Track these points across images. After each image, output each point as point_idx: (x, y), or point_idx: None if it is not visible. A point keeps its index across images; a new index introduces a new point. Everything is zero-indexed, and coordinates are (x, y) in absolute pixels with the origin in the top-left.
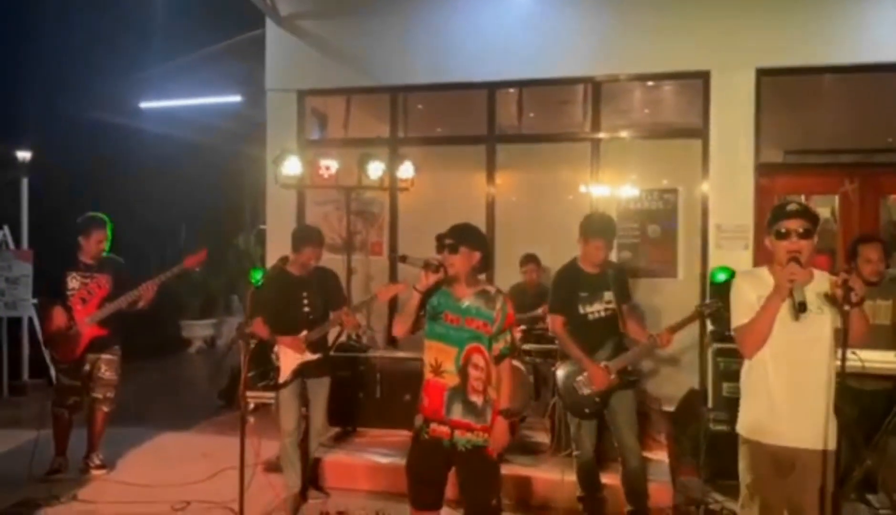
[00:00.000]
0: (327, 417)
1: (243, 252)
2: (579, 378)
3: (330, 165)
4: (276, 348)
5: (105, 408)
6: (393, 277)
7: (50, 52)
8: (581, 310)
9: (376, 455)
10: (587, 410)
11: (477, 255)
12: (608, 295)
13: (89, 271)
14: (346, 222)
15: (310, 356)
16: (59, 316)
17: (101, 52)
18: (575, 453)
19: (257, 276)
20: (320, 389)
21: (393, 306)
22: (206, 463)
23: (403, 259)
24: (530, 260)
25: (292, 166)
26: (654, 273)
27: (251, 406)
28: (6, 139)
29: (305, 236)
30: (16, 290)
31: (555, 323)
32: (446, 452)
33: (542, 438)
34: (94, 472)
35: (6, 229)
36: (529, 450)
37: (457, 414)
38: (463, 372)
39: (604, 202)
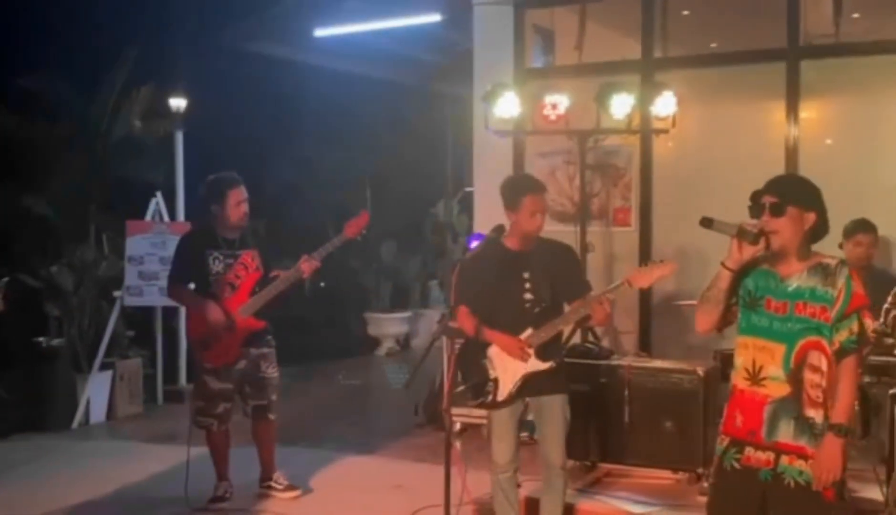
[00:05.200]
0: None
1: (444, 224)
2: None
3: (558, 102)
4: (489, 351)
5: (272, 416)
6: (645, 257)
7: None
8: None
9: (626, 503)
10: None
11: (811, 217)
12: None
13: (231, 248)
14: (579, 180)
15: (538, 364)
16: (214, 311)
17: None
18: None
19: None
20: (553, 410)
21: (646, 295)
22: (400, 498)
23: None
24: (862, 228)
25: (508, 105)
26: None
27: (457, 426)
28: (155, 84)
29: (523, 183)
30: None
31: None
32: (763, 488)
33: (873, 493)
34: (283, 495)
35: (159, 197)
36: (856, 509)
37: (785, 435)
38: (795, 378)
39: None
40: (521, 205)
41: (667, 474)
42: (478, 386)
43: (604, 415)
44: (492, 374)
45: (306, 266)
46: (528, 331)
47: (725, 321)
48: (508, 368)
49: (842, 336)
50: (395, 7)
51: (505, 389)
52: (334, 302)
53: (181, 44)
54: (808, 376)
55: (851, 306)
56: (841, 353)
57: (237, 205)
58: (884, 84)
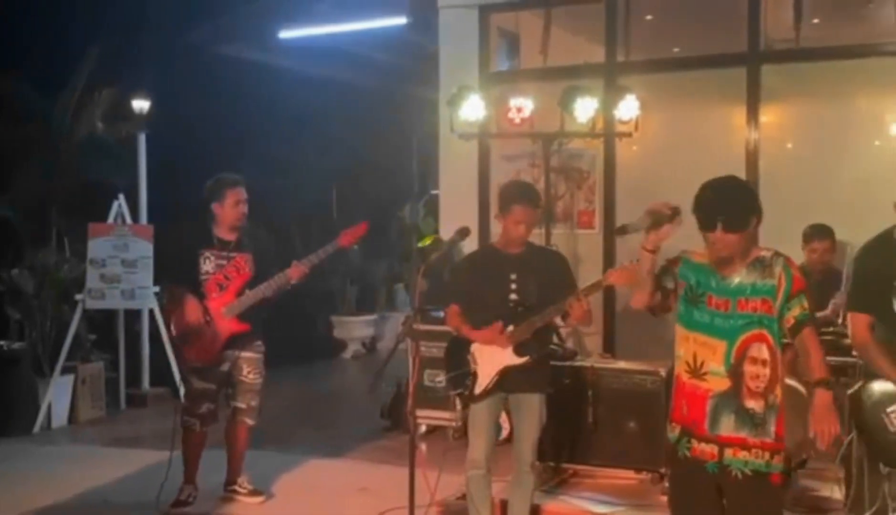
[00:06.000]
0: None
1: (410, 226)
2: (891, 408)
3: (523, 106)
4: (472, 347)
5: (249, 421)
6: (609, 258)
7: None
8: None
9: (589, 503)
10: None
11: (756, 221)
12: None
13: (226, 249)
14: (544, 183)
15: (515, 359)
16: (193, 309)
17: None
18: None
19: (427, 241)
20: (530, 408)
21: (610, 298)
22: (365, 501)
23: (623, 230)
24: (820, 233)
25: (473, 109)
26: None
27: (423, 428)
28: (119, 85)
29: (516, 192)
30: (134, 276)
31: (856, 325)
32: (713, 479)
33: (832, 492)
34: (247, 500)
35: (122, 199)
36: (815, 508)
37: (727, 427)
38: (735, 372)
39: None
40: (510, 213)
41: (630, 474)
42: (458, 377)
43: (568, 416)
44: (472, 368)
45: (294, 272)
46: (510, 328)
47: (663, 307)
48: (487, 363)
49: (795, 312)
50: (361, 10)
51: (483, 382)
52: (301, 305)
53: (145, 45)
54: (749, 369)
55: (795, 287)
56: (798, 327)
57: (235, 204)
58: (843, 88)
